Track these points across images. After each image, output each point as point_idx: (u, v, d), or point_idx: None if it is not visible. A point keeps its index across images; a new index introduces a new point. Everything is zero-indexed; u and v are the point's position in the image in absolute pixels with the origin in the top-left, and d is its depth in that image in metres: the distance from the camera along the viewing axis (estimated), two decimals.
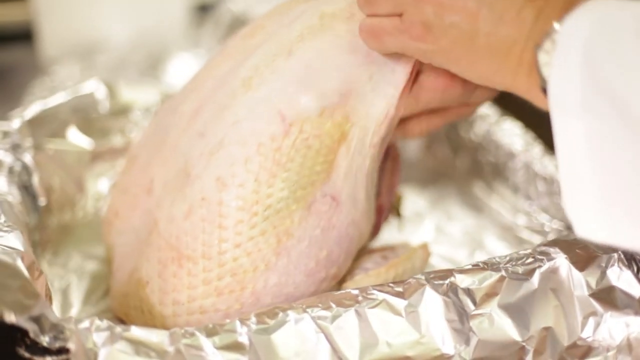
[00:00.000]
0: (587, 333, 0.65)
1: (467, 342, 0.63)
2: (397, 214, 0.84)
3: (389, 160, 0.80)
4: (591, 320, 0.65)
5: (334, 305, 0.63)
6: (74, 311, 0.79)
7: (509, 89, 0.63)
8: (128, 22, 1.18)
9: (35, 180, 0.86)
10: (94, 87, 0.95)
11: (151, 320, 0.71)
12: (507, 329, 0.64)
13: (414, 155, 1.05)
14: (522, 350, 0.64)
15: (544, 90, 0.58)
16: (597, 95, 0.53)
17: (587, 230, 0.55)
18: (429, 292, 0.64)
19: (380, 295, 0.64)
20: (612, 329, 0.65)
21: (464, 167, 1.01)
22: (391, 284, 0.65)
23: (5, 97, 0.93)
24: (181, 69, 1.07)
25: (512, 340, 0.64)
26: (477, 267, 0.66)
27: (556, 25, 0.57)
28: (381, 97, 0.69)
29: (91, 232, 0.89)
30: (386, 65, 0.69)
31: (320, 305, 0.63)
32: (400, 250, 0.75)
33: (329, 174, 0.69)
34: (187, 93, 0.76)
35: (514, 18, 0.59)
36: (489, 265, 0.66)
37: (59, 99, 0.93)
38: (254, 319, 0.62)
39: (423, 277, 0.65)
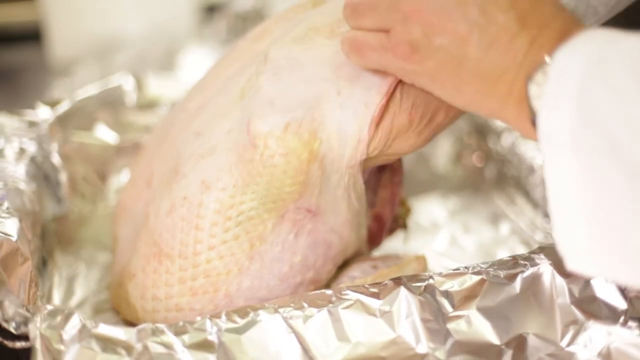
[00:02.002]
0: (566, 341, 0.63)
1: (442, 342, 0.62)
2: (404, 225, 0.83)
3: (386, 170, 0.79)
4: (571, 328, 0.63)
5: (306, 305, 0.63)
6: (74, 299, 0.81)
7: (495, 117, 0.60)
8: (137, 21, 1.19)
9: (59, 171, 0.89)
10: (122, 80, 0.97)
11: (135, 313, 0.72)
12: (485, 332, 0.63)
13: (443, 165, 1.04)
14: (500, 353, 0.63)
15: (533, 122, 0.56)
16: (590, 132, 0.51)
17: (578, 265, 0.55)
18: (404, 292, 0.63)
19: (354, 296, 0.63)
20: (592, 338, 0.63)
21: (491, 179, 0.99)
22: (366, 285, 0.64)
23: (15, 97, 0.95)
24: (197, 65, 1.08)
25: (490, 344, 0.63)
26: (457, 272, 0.65)
27: (548, 58, 0.55)
28: (352, 116, 0.66)
29: (109, 224, 0.90)
30: (358, 82, 0.66)
31: (292, 305, 0.63)
32: (393, 261, 0.74)
33: (300, 194, 0.67)
34: (195, 91, 0.77)
35: (507, 45, 0.57)
36: (469, 269, 0.65)
37: (87, 92, 0.96)
38: (224, 318, 0.62)
39: (401, 279, 0.64)
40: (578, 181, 0.52)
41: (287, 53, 0.68)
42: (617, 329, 0.63)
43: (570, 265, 0.54)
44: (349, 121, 0.66)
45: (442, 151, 1.04)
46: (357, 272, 0.73)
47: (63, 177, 0.89)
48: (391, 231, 0.83)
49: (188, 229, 0.68)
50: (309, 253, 0.69)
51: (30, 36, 1.32)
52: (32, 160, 0.86)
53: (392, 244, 0.85)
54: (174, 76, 0.99)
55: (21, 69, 1.30)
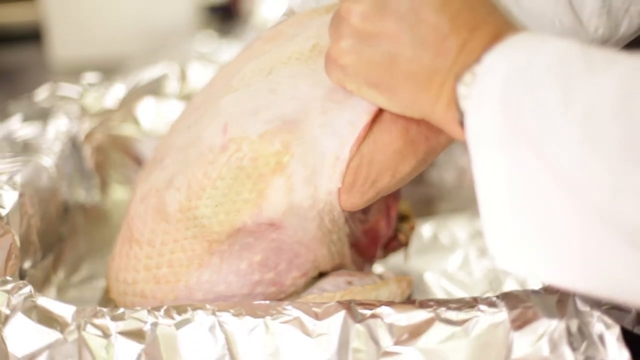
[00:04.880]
0: None
1: None
2: (405, 242, 0.81)
3: None
4: None
5: (244, 313, 0.63)
6: (76, 276, 0.84)
7: (428, 118, 0.60)
8: (138, 21, 1.20)
9: (92, 157, 0.93)
10: (167, 69, 0.99)
11: (113, 294, 0.74)
12: None
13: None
14: None
15: (461, 124, 0.56)
16: (513, 132, 0.52)
17: (505, 262, 0.55)
18: (344, 317, 0.62)
19: (295, 312, 0.63)
20: None
21: None
22: (312, 303, 0.63)
23: (15, 97, 0.98)
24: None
25: None
26: (410, 304, 0.63)
27: (478, 59, 0.55)
28: (334, 134, 0.65)
29: None
30: (347, 104, 0.65)
31: (232, 311, 0.63)
32: (370, 279, 0.72)
33: (258, 205, 0.66)
34: (205, 87, 0.78)
35: (438, 47, 0.57)
36: (423, 305, 0.63)
37: (132, 79, 0.98)
38: (162, 312, 0.63)
39: (349, 302, 0.63)
40: (505, 180, 0.53)
41: (288, 72, 0.68)
42: None
43: (499, 263, 0.55)
44: (329, 139, 0.66)
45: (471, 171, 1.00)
46: (329, 286, 0.71)
47: (97, 163, 0.92)
48: (392, 247, 0.81)
49: (158, 220, 0.69)
50: (271, 255, 0.69)
51: (31, 36, 1.35)
52: (71, 140, 0.89)
53: (397, 261, 0.83)
54: (216, 67, 1.00)
55: (21, 69, 1.32)
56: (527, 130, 0.51)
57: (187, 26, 1.23)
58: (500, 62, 0.53)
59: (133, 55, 1.14)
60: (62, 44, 1.27)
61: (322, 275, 0.73)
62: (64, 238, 0.85)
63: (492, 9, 0.57)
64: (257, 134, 0.66)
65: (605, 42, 0.67)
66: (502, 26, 0.56)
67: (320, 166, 0.66)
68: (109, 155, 0.96)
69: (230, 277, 0.69)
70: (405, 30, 0.57)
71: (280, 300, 0.70)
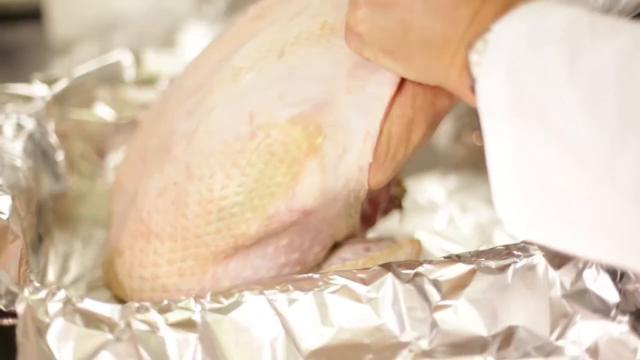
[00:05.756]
0: (555, 335, 0.62)
1: (427, 331, 0.62)
2: (400, 206, 0.82)
3: None
4: (561, 322, 0.63)
5: (292, 289, 0.62)
6: (69, 276, 0.81)
7: (442, 85, 0.61)
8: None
9: (56, 148, 0.89)
10: (121, 56, 0.96)
11: (123, 290, 0.72)
12: (473, 322, 0.62)
13: (443, 143, 1.03)
14: (485, 345, 0.62)
15: (473, 90, 0.57)
16: (521, 100, 0.53)
17: (515, 227, 0.55)
18: (391, 279, 0.63)
19: (342, 281, 0.63)
20: (581, 332, 0.62)
21: None
22: (354, 270, 0.64)
23: (15, 76, 0.94)
24: (197, 42, 1.06)
25: (477, 335, 0.62)
26: (448, 260, 0.65)
27: (489, 28, 0.56)
28: (362, 112, 0.66)
29: (107, 201, 0.90)
30: (370, 80, 0.66)
31: (278, 287, 0.62)
32: (386, 244, 0.73)
33: (292, 188, 0.65)
34: (192, 68, 0.76)
35: (450, 15, 0.58)
36: (461, 258, 0.64)
37: (85, 68, 0.94)
38: (209, 298, 0.62)
39: (390, 265, 0.64)
40: (512, 147, 0.53)
41: (303, 53, 0.68)
42: (606, 324, 0.62)
43: (509, 228, 0.56)
44: (358, 117, 0.66)
45: (442, 130, 1.02)
46: (349, 254, 0.72)
47: (61, 154, 0.88)
48: (386, 212, 0.82)
49: (178, 215, 0.68)
50: (296, 237, 0.68)
51: (30, 15, 1.31)
52: (30, 137, 0.85)
53: (388, 225, 0.84)
54: (173, 52, 0.97)
55: (21, 48, 1.28)
56: (532, 96, 0.52)
57: (187, 4, 1.19)
58: (510, 30, 0.54)
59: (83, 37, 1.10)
60: (61, 22, 1.22)
61: (335, 245, 0.74)
62: (42, 238, 0.82)
63: None
64: (285, 119, 0.65)
65: (606, 12, 0.69)
66: None
67: (350, 144, 0.66)
68: (72, 144, 0.91)
69: (257, 262, 0.68)
70: (418, 1, 0.58)
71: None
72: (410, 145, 0.67)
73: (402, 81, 0.66)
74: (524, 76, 0.52)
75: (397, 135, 0.67)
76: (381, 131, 0.66)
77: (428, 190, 0.94)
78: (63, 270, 0.81)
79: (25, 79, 0.91)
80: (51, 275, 0.80)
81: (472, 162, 0.99)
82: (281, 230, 0.67)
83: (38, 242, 0.79)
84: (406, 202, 0.91)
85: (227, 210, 0.66)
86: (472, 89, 0.57)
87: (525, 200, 0.54)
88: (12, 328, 0.62)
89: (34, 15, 1.29)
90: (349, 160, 0.66)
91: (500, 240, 0.85)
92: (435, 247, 0.85)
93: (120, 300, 0.74)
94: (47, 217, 0.85)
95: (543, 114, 0.51)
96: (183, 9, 1.18)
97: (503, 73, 0.53)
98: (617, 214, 0.50)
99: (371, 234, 0.83)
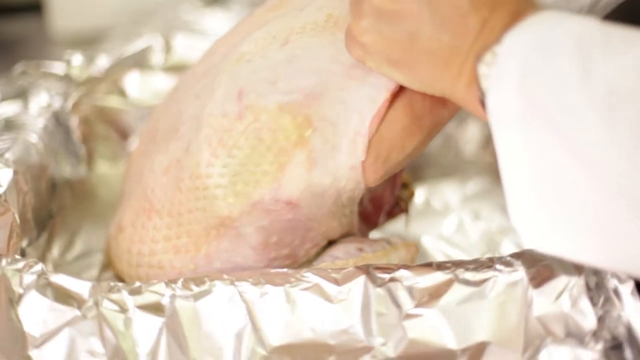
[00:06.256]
0: (527, 355, 0.61)
1: (395, 339, 0.61)
2: (406, 209, 0.81)
3: None
4: (534, 342, 0.61)
5: (263, 282, 0.62)
6: (71, 253, 0.82)
7: (448, 96, 0.60)
8: None
9: (79, 128, 0.90)
10: (152, 41, 0.97)
11: (121, 266, 0.73)
12: (443, 334, 0.61)
13: (470, 149, 1.01)
14: (454, 358, 0.61)
15: (482, 102, 0.56)
16: (533, 112, 0.52)
17: (529, 237, 0.55)
18: (364, 282, 0.62)
19: (314, 279, 0.62)
20: (552, 355, 0.61)
21: None
22: (329, 269, 0.63)
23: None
24: (220, 30, 1.06)
25: (445, 348, 0.61)
26: (427, 267, 0.63)
27: (498, 39, 0.55)
28: (354, 110, 0.65)
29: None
30: (366, 81, 0.65)
31: (250, 280, 0.62)
32: (380, 245, 0.72)
33: (278, 179, 0.65)
34: (207, 55, 0.77)
35: (458, 25, 0.57)
36: (440, 267, 0.63)
37: (116, 53, 0.96)
38: (179, 284, 0.62)
39: (367, 267, 0.63)
40: (525, 157, 0.53)
41: (306, 43, 0.67)
42: (578, 350, 0.61)
43: (526, 242, 0.55)
44: (349, 115, 0.65)
45: (471, 135, 1.00)
46: (340, 253, 0.71)
47: (82, 135, 0.90)
48: (392, 214, 0.81)
49: (175, 189, 0.69)
50: (286, 235, 0.68)
51: (31, 7, 1.32)
52: (55, 115, 0.87)
53: (395, 227, 0.83)
54: (202, 39, 0.98)
55: (22, 40, 1.30)
56: (545, 107, 0.51)
57: None
58: (520, 41, 0.53)
59: (116, 26, 1.11)
60: (62, 15, 1.24)
61: (330, 243, 0.73)
62: (53, 215, 0.83)
63: None
64: (275, 104, 0.65)
65: (593, 5, 0.67)
66: (523, 5, 0.56)
67: (340, 142, 0.66)
68: (95, 127, 0.94)
69: (247, 252, 0.68)
70: (425, 9, 0.57)
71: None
72: (404, 152, 0.66)
73: (400, 87, 0.65)
74: (536, 88, 0.52)
75: (390, 140, 0.66)
76: (373, 133, 0.65)
77: (444, 195, 0.93)
78: (67, 246, 0.83)
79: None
80: (55, 251, 0.81)
81: (496, 170, 0.97)
82: (269, 225, 0.67)
83: (49, 218, 0.81)
84: (419, 205, 0.90)
85: (211, 190, 0.67)
86: (481, 102, 0.56)
87: (539, 212, 0.53)
88: None
89: (35, 8, 1.30)
90: (339, 158, 0.66)
91: (507, 249, 0.84)
92: (439, 251, 0.83)
93: (120, 279, 0.75)
94: (63, 195, 0.86)
95: (557, 126, 0.50)
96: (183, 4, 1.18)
97: (514, 85, 0.52)
98: (632, 227, 0.50)
99: (376, 235, 0.82)
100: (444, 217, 0.90)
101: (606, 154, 0.49)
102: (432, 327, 0.61)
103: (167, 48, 0.97)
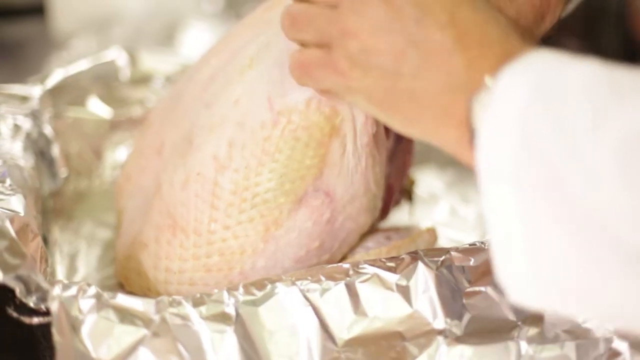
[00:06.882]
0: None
1: (459, 317, 0.62)
2: (409, 197, 0.83)
3: (403, 140, 0.78)
4: None
5: (323, 279, 0.62)
6: (78, 276, 0.80)
7: (430, 139, 0.57)
8: None
9: (53, 147, 0.88)
10: (116, 55, 0.95)
11: (146, 283, 0.72)
12: (502, 308, 0.63)
13: None
14: (516, 329, 0.63)
15: (471, 144, 0.53)
16: (532, 165, 0.49)
17: (518, 296, 0.52)
18: (421, 267, 0.63)
19: (372, 270, 0.63)
20: None
21: None
22: (383, 259, 0.64)
23: (18, 71, 0.93)
24: (196, 39, 1.06)
25: (506, 319, 0.63)
26: (474, 247, 0.65)
27: (489, 81, 0.52)
28: None
29: (106, 200, 0.89)
30: None
31: (309, 278, 0.63)
32: (405, 233, 0.74)
33: (320, 169, 0.67)
34: (205, 61, 0.76)
35: (442, 64, 0.54)
36: (486, 245, 0.65)
37: (80, 66, 0.93)
38: (241, 290, 0.62)
39: (418, 254, 0.64)
40: (519, 217, 0.49)
41: None
42: None
43: (512, 297, 0.52)
44: None
45: None
46: (371, 243, 0.72)
47: (57, 153, 0.88)
48: (397, 202, 0.82)
49: (203, 207, 0.68)
50: (328, 239, 0.69)
51: (33, 10, 1.30)
52: (28, 136, 0.84)
53: (397, 216, 0.85)
54: (169, 51, 0.97)
55: (24, 43, 1.27)
56: (547, 162, 0.48)
57: (188, 1, 1.18)
58: (518, 82, 0.50)
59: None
60: (64, 17, 1.20)
61: None
62: (46, 239, 0.81)
63: (506, 30, 0.55)
64: (302, 104, 0.66)
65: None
66: (515, 43, 0.53)
67: (358, 123, 0.67)
68: (68, 143, 0.91)
69: (288, 263, 0.68)
70: (410, 47, 0.55)
71: None
72: None
73: None
74: (536, 141, 0.48)
75: None
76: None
77: (426, 183, 0.94)
78: (71, 270, 0.81)
79: (28, 73, 0.91)
80: (60, 275, 0.79)
81: None
82: (311, 227, 0.68)
83: (44, 242, 0.79)
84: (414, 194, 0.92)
85: (261, 196, 0.67)
86: (470, 143, 0.53)
87: (529, 269, 0.50)
88: (40, 327, 0.61)
89: (37, 11, 1.28)
90: (357, 129, 0.67)
91: None
92: (444, 237, 0.84)
93: (137, 294, 0.74)
94: (48, 217, 0.84)
95: (560, 176, 0.47)
96: (183, 7, 1.18)
97: (512, 130, 0.49)
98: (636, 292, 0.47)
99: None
100: (434, 205, 0.91)
101: (618, 204, 0.45)
102: (491, 302, 0.63)
103: (133, 61, 0.96)
